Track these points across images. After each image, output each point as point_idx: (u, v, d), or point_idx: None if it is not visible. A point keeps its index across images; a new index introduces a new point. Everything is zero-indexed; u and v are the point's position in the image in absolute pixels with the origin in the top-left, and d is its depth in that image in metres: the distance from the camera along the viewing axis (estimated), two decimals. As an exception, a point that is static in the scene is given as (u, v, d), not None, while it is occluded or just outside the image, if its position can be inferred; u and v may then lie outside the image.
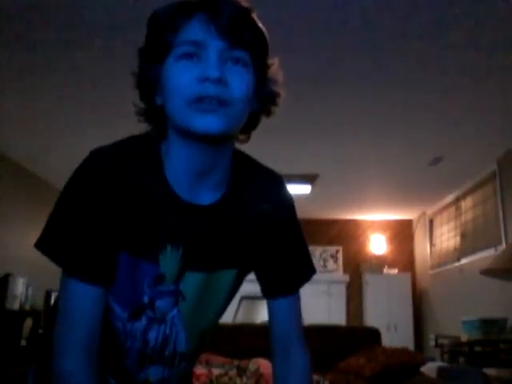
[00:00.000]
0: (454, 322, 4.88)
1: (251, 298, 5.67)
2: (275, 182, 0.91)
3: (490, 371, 3.17)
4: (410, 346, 5.87)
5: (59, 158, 4.64)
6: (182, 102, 0.71)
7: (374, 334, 2.82)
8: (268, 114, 0.83)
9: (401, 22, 2.61)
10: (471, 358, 3.82)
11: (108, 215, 0.75)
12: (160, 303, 0.82)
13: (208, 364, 2.45)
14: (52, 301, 4.94)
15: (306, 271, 0.94)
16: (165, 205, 0.79)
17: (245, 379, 2.42)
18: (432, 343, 4.94)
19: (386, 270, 6.96)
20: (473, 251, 5.15)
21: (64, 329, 0.74)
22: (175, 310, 0.84)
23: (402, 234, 7.30)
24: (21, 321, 4.26)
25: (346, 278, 6.99)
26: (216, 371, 2.42)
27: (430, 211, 6.64)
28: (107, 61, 2.95)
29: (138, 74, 0.78)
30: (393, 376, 2.33)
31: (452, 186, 5.57)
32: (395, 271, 6.97)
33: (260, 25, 0.77)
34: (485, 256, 4.69)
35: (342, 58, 2.99)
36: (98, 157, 0.76)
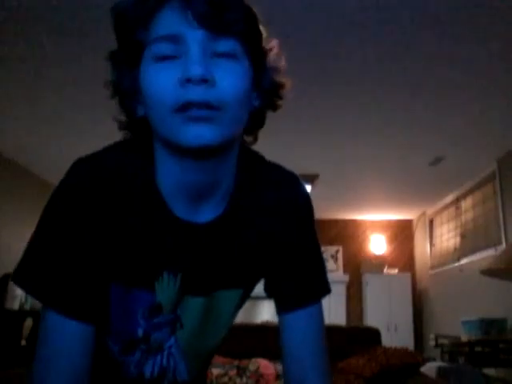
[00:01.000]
0: (454, 322, 4.88)
1: (251, 297, 5.67)
2: (287, 184, 0.78)
3: (490, 371, 3.17)
4: (410, 346, 5.87)
5: (59, 158, 4.64)
6: (165, 111, 0.59)
7: (374, 334, 2.81)
8: (274, 108, 0.71)
9: (401, 22, 2.61)
10: (471, 358, 3.81)
11: (94, 240, 0.64)
12: (157, 335, 0.73)
13: (208, 364, 2.45)
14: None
15: (322, 282, 0.79)
16: (160, 226, 0.67)
17: (245, 379, 2.42)
18: (432, 343, 4.94)
19: (386, 270, 6.96)
20: (473, 251, 5.15)
21: (44, 371, 0.61)
22: (172, 340, 0.74)
23: (402, 233, 7.30)
24: (21, 321, 4.25)
25: (346, 277, 6.99)
26: (216, 371, 2.42)
27: (430, 211, 6.64)
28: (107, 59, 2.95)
29: (111, 83, 0.67)
30: (393, 376, 2.33)
31: (452, 186, 5.57)
32: (395, 271, 6.97)
33: (246, 3, 0.64)
34: (485, 256, 4.69)
35: (343, 58, 2.99)
36: (81, 171, 0.65)
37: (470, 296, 5.01)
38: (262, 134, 0.82)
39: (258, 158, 0.78)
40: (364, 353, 2.51)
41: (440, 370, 3.23)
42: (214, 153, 0.63)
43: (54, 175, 5.51)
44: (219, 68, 0.59)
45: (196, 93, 0.57)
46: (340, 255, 7.19)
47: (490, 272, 3.48)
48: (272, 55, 0.69)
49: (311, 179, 5.29)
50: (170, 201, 0.67)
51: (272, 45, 0.70)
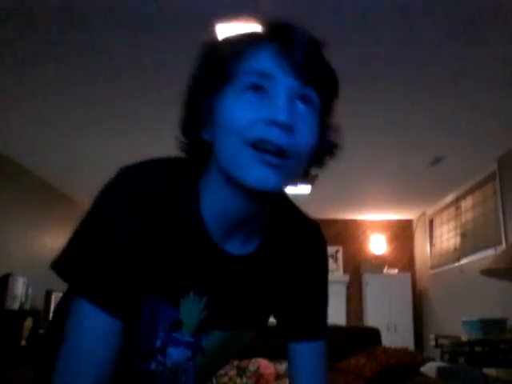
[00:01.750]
0: (454, 322, 4.88)
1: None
2: (311, 232, 0.84)
3: (490, 371, 3.16)
4: (410, 346, 5.87)
5: (60, 159, 4.65)
6: (238, 143, 0.61)
7: (374, 334, 2.82)
8: (321, 166, 0.74)
9: (402, 25, 2.61)
10: (471, 358, 3.81)
11: (137, 242, 0.65)
12: (173, 351, 0.75)
13: (208, 364, 2.45)
14: (52, 302, 4.93)
15: (324, 324, 0.86)
16: (195, 246, 0.70)
17: (245, 379, 2.42)
18: (432, 343, 4.94)
19: (386, 270, 6.96)
20: (473, 251, 5.15)
21: (70, 368, 0.62)
22: (190, 363, 0.78)
23: (402, 233, 7.30)
24: (21, 321, 4.26)
25: (346, 277, 6.99)
26: (216, 371, 2.42)
27: (430, 211, 6.64)
28: (107, 60, 2.95)
29: (186, 107, 0.69)
30: (393, 376, 2.33)
31: (452, 186, 5.57)
32: (395, 271, 6.97)
33: (328, 61, 0.67)
34: (485, 256, 4.69)
35: (342, 59, 2.99)
36: (133, 177, 0.67)
37: (470, 296, 5.01)
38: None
39: (287, 200, 0.83)
40: (364, 353, 2.51)
41: (440, 370, 3.24)
42: (270, 197, 0.67)
43: (55, 176, 5.51)
44: (299, 116, 0.63)
45: (276, 135, 0.60)
46: (340, 255, 7.20)
47: (490, 272, 3.48)
48: (334, 114, 0.73)
49: (311, 179, 5.29)
50: (210, 226, 0.71)
51: (335, 103, 0.72)
